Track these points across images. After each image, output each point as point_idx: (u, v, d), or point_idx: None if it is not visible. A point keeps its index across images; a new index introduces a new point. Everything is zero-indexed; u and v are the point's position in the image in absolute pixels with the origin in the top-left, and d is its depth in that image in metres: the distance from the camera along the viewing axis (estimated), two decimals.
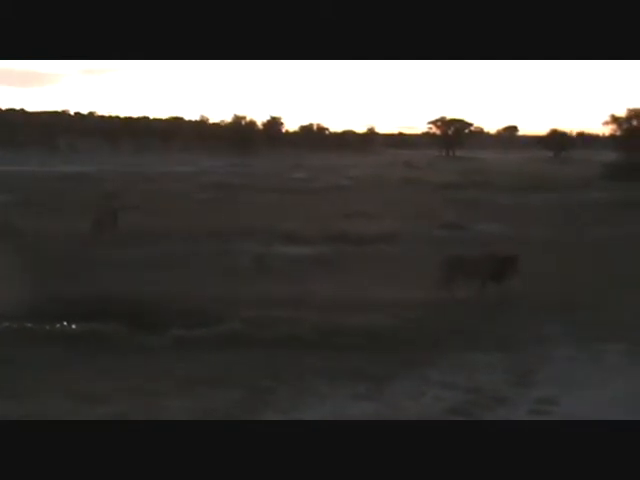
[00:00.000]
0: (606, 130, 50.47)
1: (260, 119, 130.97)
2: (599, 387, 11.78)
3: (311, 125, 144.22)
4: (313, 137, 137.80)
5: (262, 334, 14.10)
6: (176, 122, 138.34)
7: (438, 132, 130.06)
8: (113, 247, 24.40)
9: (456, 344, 13.88)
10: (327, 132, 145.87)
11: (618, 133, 48.32)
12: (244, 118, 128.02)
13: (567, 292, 17.94)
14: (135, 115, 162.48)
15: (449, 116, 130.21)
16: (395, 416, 10.40)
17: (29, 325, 14.91)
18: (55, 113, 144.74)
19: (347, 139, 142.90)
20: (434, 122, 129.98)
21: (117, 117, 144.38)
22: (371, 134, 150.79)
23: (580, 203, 41.29)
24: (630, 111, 46.67)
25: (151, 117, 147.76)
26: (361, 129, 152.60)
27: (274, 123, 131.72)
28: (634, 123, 46.75)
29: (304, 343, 13.66)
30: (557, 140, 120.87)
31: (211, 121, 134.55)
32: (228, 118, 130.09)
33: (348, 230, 27.49)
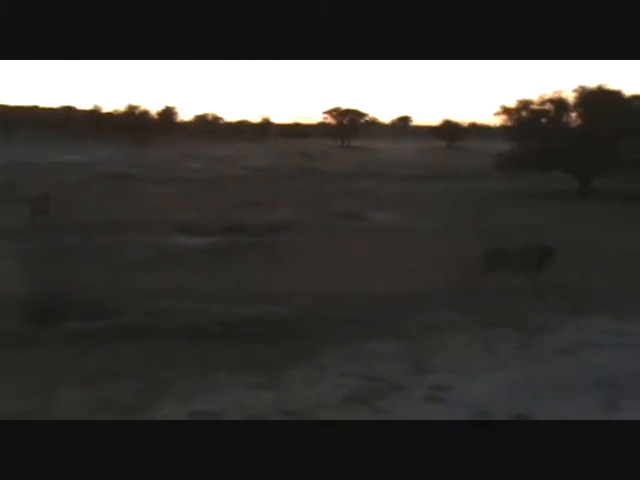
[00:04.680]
0: (497, 121, 51.18)
1: (154, 109, 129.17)
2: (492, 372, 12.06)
3: (206, 115, 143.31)
4: (208, 127, 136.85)
5: (161, 325, 14.05)
6: (68, 111, 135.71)
7: (333, 122, 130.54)
8: (6, 239, 23.94)
9: (354, 333, 14.03)
10: (222, 122, 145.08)
11: (509, 123, 49.09)
12: (138, 108, 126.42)
13: (457, 279, 18.27)
14: (25, 104, 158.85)
15: (344, 106, 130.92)
16: (292, 404, 10.49)
17: None
18: None
19: (242, 129, 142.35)
20: (329, 112, 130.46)
21: (6, 106, 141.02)
22: (266, 124, 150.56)
23: (472, 192, 42.07)
24: (520, 102, 47.51)
25: (42, 106, 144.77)
26: (256, 119, 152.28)
27: (168, 113, 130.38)
28: (524, 114, 47.59)
29: (204, 334, 13.65)
30: (450, 130, 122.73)
31: (104, 110, 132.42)
32: (121, 107, 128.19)
33: (245, 220, 27.49)
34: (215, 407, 10.38)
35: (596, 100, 45.21)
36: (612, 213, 33.06)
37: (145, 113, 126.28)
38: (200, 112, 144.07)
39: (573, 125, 46.92)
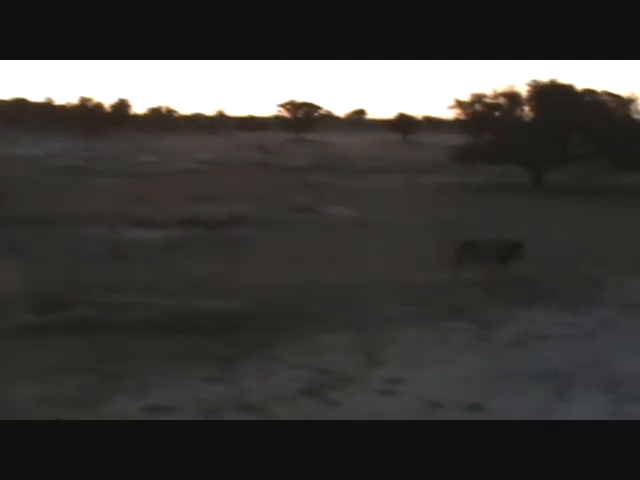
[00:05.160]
0: (451, 114, 51.54)
1: (107, 101, 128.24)
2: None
3: (160, 108, 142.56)
4: (162, 120, 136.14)
5: (114, 319, 13.97)
6: (19, 104, 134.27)
7: (288, 115, 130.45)
8: None
9: (308, 326, 14.07)
10: (176, 115, 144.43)
11: (463, 117, 49.43)
12: (90, 100, 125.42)
13: (412, 272, 18.39)
14: None
15: (298, 99, 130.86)
16: (246, 397, 10.50)
17: None
18: None
19: (197, 122, 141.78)
20: (284, 105, 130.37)
21: None
22: (221, 117, 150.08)
23: (428, 185, 42.28)
24: (474, 96, 47.82)
25: None
26: (211, 112, 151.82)
27: (122, 105, 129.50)
28: (477, 107, 47.92)
29: (156, 327, 13.60)
30: (404, 124, 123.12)
31: (57, 103, 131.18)
32: (74, 100, 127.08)
33: (200, 214, 27.40)
34: (169, 401, 10.37)
35: (548, 94, 45.64)
36: (566, 206, 33.38)
37: (98, 106, 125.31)
38: (154, 105, 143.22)
39: (526, 119, 47.30)
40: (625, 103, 47.16)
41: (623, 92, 47.17)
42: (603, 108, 46.51)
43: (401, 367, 11.89)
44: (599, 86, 46.58)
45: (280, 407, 10.22)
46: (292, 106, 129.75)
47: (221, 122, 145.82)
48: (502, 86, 47.39)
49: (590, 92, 47.06)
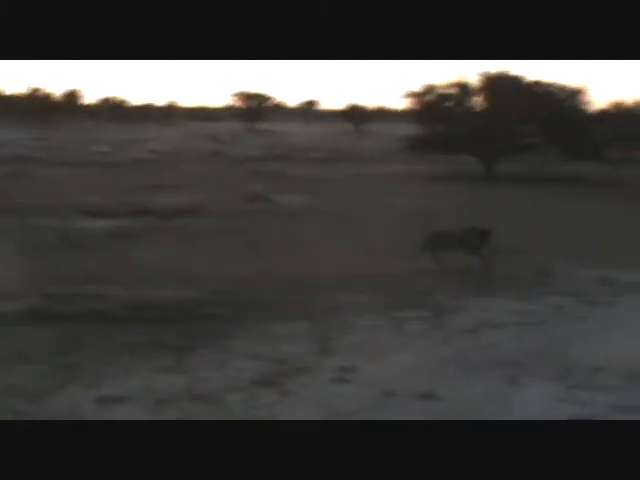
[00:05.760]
0: (403, 104, 51.76)
1: (58, 91, 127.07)
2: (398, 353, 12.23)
3: (111, 98, 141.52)
4: (113, 110, 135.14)
5: (67, 310, 13.87)
6: None
7: (240, 105, 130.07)
8: None
9: (263, 315, 14.07)
10: (127, 105, 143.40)
11: (415, 107, 49.65)
12: (40, 90, 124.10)
13: (365, 261, 18.45)
14: None
15: (251, 90, 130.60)
16: (200, 387, 10.48)
17: None
18: None
19: (148, 112, 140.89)
20: (236, 95, 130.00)
21: None
22: (173, 107, 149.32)
23: (380, 174, 42.45)
24: (425, 86, 48.05)
25: None
26: (162, 102, 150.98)
27: (73, 96, 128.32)
28: (429, 98, 48.14)
29: (110, 318, 13.53)
30: (356, 114, 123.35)
31: (6, 93, 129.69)
32: (23, 90, 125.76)
33: (153, 203, 27.30)
34: (122, 392, 10.32)
35: (498, 85, 46.02)
36: (516, 195, 33.67)
37: (48, 96, 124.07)
38: (105, 95, 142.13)
39: (477, 109, 47.61)
40: (573, 94, 47.67)
41: (572, 84, 47.70)
42: (552, 99, 46.96)
43: (355, 356, 11.93)
44: (548, 78, 47.36)
45: (234, 397, 10.22)
46: (244, 96, 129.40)
47: (173, 112, 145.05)
48: (454, 77, 47.72)
49: (539, 83, 47.50)
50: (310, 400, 10.12)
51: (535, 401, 10.20)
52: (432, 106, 47.92)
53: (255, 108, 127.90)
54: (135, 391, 10.36)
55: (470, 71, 60.09)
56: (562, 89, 47.73)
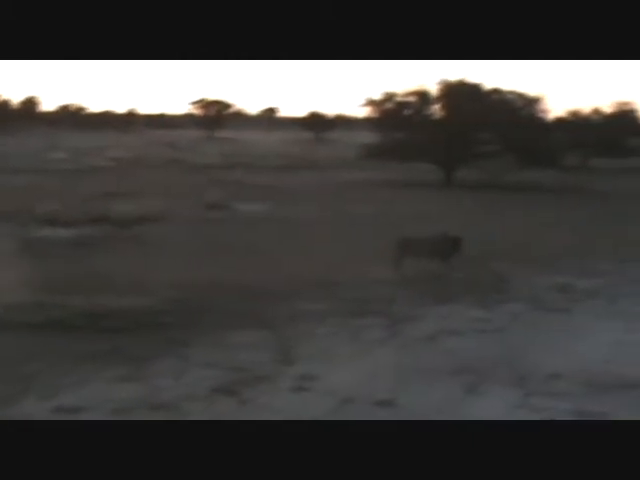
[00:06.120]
0: (363, 113, 51.93)
1: (15, 98, 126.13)
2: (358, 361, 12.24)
3: (70, 105, 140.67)
4: (72, 117, 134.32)
5: (24, 319, 13.75)
6: None
7: (200, 113, 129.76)
8: None
9: (221, 324, 14.03)
10: (87, 112, 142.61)
11: (374, 115, 49.83)
12: None
13: (325, 269, 18.46)
14: None
15: (211, 97, 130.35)
16: (158, 396, 10.43)
17: None
18: None
19: (108, 119, 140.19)
20: (195, 103, 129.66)
21: None
22: (133, 114, 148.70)
23: (340, 182, 42.52)
24: (385, 94, 48.24)
25: None
26: (122, 109, 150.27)
27: (31, 102, 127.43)
28: (389, 106, 48.34)
29: (68, 327, 13.43)
30: (317, 122, 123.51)
31: None
32: None
33: (112, 212, 27.14)
34: (79, 401, 10.24)
35: (457, 93, 46.32)
36: (474, 203, 33.86)
37: (5, 102, 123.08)
38: (63, 102, 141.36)
39: (436, 117, 47.87)
40: (531, 102, 48.09)
41: (529, 92, 48.13)
42: (510, 107, 47.36)
43: (314, 364, 11.92)
44: (506, 86, 47.63)
45: (193, 406, 10.17)
46: (204, 104, 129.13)
47: (132, 120, 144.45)
48: (413, 85, 47.98)
49: (497, 91, 47.88)
50: (269, 408, 10.09)
51: (493, 408, 10.24)
52: (391, 114, 48.12)
53: (215, 116, 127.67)
54: (92, 401, 10.28)
55: (429, 79, 60.37)
56: (520, 97, 48.14)
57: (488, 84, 47.88)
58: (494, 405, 10.35)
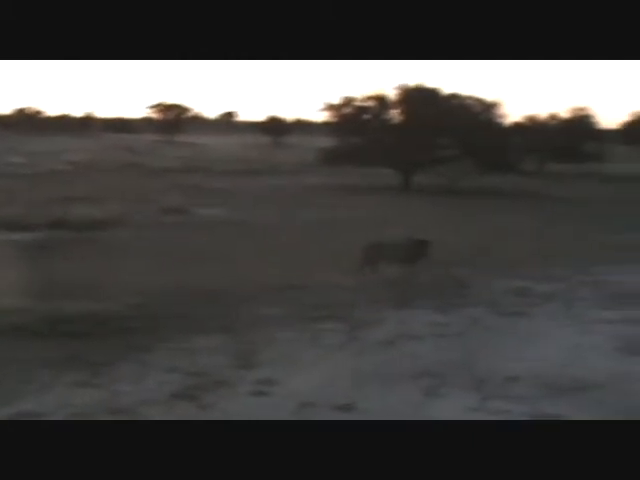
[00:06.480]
0: (322, 117, 52.02)
1: None
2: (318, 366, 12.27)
3: (26, 108, 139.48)
4: (29, 121, 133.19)
5: None
6: None
7: (158, 117, 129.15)
8: None
9: (181, 329, 14.00)
10: (44, 115, 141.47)
11: (333, 120, 49.91)
12: None
13: (285, 273, 18.48)
14: None
15: (169, 101, 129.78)
16: (117, 402, 10.39)
17: None
18: None
19: (65, 123, 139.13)
20: (154, 107, 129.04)
21: None
22: (90, 118, 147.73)
23: (298, 187, 42.55)
24: (344, 99, 48.35)
25: None
26: (79, 113, 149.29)
27: None
28: (348, 110, 48.46)
29: (27, 332, 13.35)
30: (275, 126, 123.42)
31: None
32: None
33: (70, 216, 26.96)
34: (39, 407, 10.19)
35: (415, 98, 46.52)
36: (433, 207, 34.04)
37: None
38: (19, 105, 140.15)
39: (394, 122, 48.04)
40: (489, 108, 48.45)
41: (487, 97, 48.48)
42: (468, 112, 47.66)
43: (274, 368, 11.95)
44: (464, 90, 47.92)
45: (152, 411, 10.15)
46: (162, 108, 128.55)
47: (90, 124, 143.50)
48: (372, 89, 48.10)
49: (456, 96, 48.17)
50: (229, 413, 10.10)
51: (451, 411, 10.32)
52: (350, 118, 48.23)
53: (174, 119, 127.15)
54: (51, 407, 10.24)
55: (388, 84, 60.59)
56: (478, 102, 48.47)
57: (446, 89, 48.18)
58: (452, 409, 10.43)
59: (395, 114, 48.16)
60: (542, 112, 66.44)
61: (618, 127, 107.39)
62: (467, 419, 9.93)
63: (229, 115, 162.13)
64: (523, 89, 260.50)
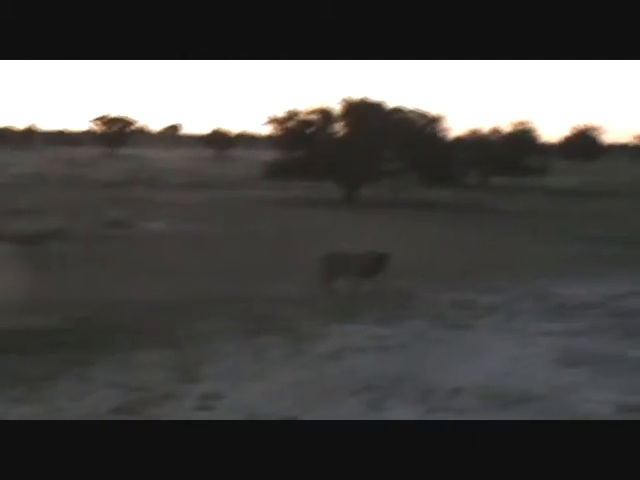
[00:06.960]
0: (266, 131, 52.04)
1: None
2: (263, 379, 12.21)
3: None
4: None
5: None
6: None
7: (101, 130, 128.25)
8: None
9: (123, 343, 13.86)
10: None
11: (277, 133, 49.97)
12: None
13: (230, 286, 18.40)
14: None
15: (112, 114, 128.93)
16: (54, 417, 10.22)
17: None
18: None
19: (6, 136, 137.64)
20: (96, 120, 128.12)
21: None
22: (32, 131, 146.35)
23: (241, 200, 42.55)
24: (287, 112, 48.44)
25: None
26: (21, 125, 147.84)
27: None
28: (291, 124, 48.55)
29: None
30: (219, 139, 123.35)
31: None
32: None
33: (9, 228, 26.62)
34: None
35: (359, 112, 46.76)
36: (376, 220, 34.12)
37: None
38: None
39: (338, 135, 48.20)
40: (432, 121, 48.82)
41: (430, 111, 48.84)
42: (412, 126, 47.97)
43: (219, 382, 11.86)
44: (408, 104, 48.18)
45: None
46: (106, 120, 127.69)
47: (31, 136, 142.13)
48: (315, 103, 48.24)
49: (399, 110, 48.45)
50: None
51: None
52: (294, 132, 48.31)
53: (117, 132, 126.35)
54: None
55: (332, 97, 60.83)
56: (422, 116, 48.80)
57: (390, 103, 48.45)
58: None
59: (339, 127, 48.33)
60: (484, 126, 67.22)
61: (559, 141, 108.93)
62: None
63: (174, 128, 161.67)
64: (466, 103, 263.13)
